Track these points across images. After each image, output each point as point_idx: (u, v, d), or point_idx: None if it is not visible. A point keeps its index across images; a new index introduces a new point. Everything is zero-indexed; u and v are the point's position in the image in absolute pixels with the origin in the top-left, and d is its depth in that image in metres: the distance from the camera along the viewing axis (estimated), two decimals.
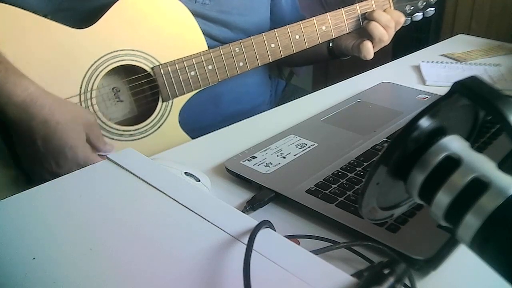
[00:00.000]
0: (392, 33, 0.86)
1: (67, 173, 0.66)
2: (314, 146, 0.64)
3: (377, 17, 0.84)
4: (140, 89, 0.79)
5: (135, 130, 0.78)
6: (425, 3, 0.90)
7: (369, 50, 0.85)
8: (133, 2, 0.75)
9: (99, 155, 0.70)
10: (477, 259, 0.29)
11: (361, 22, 0.87)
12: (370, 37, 0.85)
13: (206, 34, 0.81)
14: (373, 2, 0.86)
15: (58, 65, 0.71)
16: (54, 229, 0.37)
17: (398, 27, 0.87)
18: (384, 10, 0.86)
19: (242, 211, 0.47)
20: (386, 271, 0.28)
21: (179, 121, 0.81)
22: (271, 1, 0.96)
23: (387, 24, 0.84)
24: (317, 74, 2.23)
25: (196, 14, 0.80)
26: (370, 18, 0.85)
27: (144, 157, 0.46)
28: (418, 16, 0.91)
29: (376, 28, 0.84)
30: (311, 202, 0.52)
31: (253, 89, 0.95)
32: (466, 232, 0.29)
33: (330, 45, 0.95)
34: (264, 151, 0.63)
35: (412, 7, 0.90)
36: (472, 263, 0.31)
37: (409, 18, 0.91)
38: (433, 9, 0.92)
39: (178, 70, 0.78)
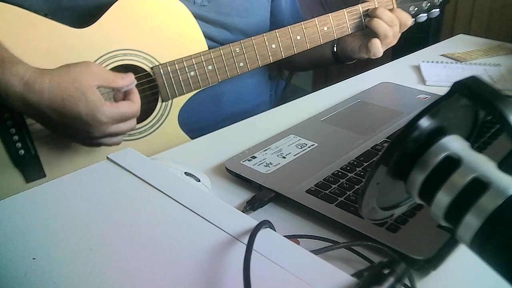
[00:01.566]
0: (396, 30, 0.85)
1: (102, 133, 0.66)
2: (314, 146, 0.64)
3: (380, 14, 0.83)
4: (140, 88, 0.79)
5: (135, 129, 0.78)
6: (429, 4, 0.90)
7: (378, 47, 0.84)
8: (133, 2, 0.75)
9: (125, 98, 0.69)
10: (477, 259, 0.29)
11: (363, 20, 0.86)
12: (375, 34, 0.85)
13: (205, 35, 0.81)
14: (375, 3, 0.86)
15: (58, 64, 0.71)
16: (54, 229, 0.37)
17: (404, 29, 0.86)
18: (390, 10, 0.85)
19: (242, 211, 0.47)
20: (386, 271, 0.28)
21: (179, 121, 0.81)
22: (271, 2, 0.96)
23: (390, 22, 0.83)
24: (317, 74, 2.23)
25: (195, 16, 0.80)
26: (373, 15, 0.84)
27: (144, 157, 0.46)
28: (423, 17, 0.91)
29: (379, 24, 0.83)
30: (311, 202, 0.52)
31: (253, 89, 0.95)
32: (466, 232, 0.29)
33: (335, 49, 0.95)
34: (264, 151, 0.63)
35: (416, 8, 0.90)
36: (472, 263, 0.31)
37: (413, 19, 0.91)
38: (438, 10, 0.91)
39: (178, 70, 0.78)
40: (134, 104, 0.68)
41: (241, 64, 0.82)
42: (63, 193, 0.42)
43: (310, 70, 1.63)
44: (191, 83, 0.79)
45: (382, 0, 0.86)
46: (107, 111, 0.64)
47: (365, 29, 0.87)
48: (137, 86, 0.79)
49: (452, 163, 0.30)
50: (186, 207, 0.38)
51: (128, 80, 0.68)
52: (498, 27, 1.84)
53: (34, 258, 0.34)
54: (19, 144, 0.71)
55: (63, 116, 0.64)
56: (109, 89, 0.66)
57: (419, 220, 0.48)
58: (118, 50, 0.75)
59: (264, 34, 0.82)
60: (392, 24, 0.83)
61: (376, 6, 0.85)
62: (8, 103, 0.64)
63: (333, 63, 0.98)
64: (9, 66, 0.63)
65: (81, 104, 0.63)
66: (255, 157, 0.61)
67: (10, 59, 0.64)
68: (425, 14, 0.91)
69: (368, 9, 0.86)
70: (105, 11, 0.73)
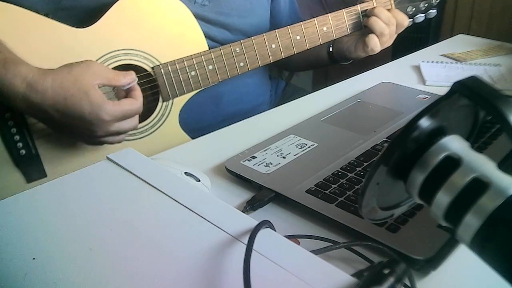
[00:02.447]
0: (393, 30, 0.85)
1: (106, 132, 0.67)
2: (314, 146, 0.64)
3: (378, 13, 0.84)
4: (141, 88, 0.79)
5: (135, 129, 0.78)
6: (427, 4, 0.90)
7: (376, 41, 0.84)
8: (134, 2, 0.75)
9: (127, 95, 0.69)
10: (477, 259, 0.29)
11: (361, 19, 0.87)
12: (371, 32, 0.85)
13: (206, 35, 0.81)
14: (374, 3, 0.86)
15: (59, 64, 0.71)
16: (54, 229, 0.37)
17: (401, 29, 0.87)
18: (388, 10, 0.86)
19: (242, 211, 0.47)
20: (386, 271, 0.28)
21: (179, 121, 0.81)
22: (270, 2, 0.96)
23: (387, 20, 0.84)
24: (317, 74, 2.23)
25: (195, 16, 0.80)
26: (371, 13, 0.85)
27: (144, 157, 0.46)
28: (420, 17, 0.91)
29: (376, 22, 0.84)
30: (311, 202, 0.52)
31: (253, 89, 0.95)
32: (466, 232, 0.29)
33: (331, 49, 0.95)
34: (264, 151, 0.63)
35: (414, 9, 0.90)
36: (472, 263, 0.31)
37: (411, 19, 0.91)
38: (435, 10, 0.91)
39: (179, 70, 0.78)
40: (136, 102, 0.69)
41: (241, 64, 0.82)
42: (63, 193, 0.42)
43: (307, 70, 1.64)
44: (191, 82, 0.79)
45: (381, 0, 0.86)
46: (109, 109, 0.65)
47: (362, 30, 0.87)
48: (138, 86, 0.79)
49: (452, 163, 0.30)
50: (186, 207, 0.38)
51: (129, 78, 0.69)
52: (498, 27, 1.84)
53: (34, 258, 0.34)
54: (20, 144, 0.71)
55: (66, 115, 0.64)
56: (110, 87, 0.66)
57: (419, 220, 0.48)
58: (118, 50, 0.75)
59: (264, 34, 0.82)
60: (389, 23, 0.84)
61: (375, 6, 0.86)
62: (10, 104, 0.64)
63: (328, 64, 0.99)
64: (12, 66, 0.63)
65: (84, 103, 0.63)
66: (255, 157, 0.61)
67: (13, 60, 0.64)
68: (423, 15, 0.91)
69: (366, 9, 0.86)
70: (106, 11, 0.73)
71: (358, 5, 0.86)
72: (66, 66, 0.66)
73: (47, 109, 0.63)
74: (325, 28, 0.85)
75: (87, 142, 0.70)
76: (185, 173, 0.55)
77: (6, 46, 0.66)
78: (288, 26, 0.83)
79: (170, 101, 0.80)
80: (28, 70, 0.63)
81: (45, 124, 0.69)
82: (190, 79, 0.79)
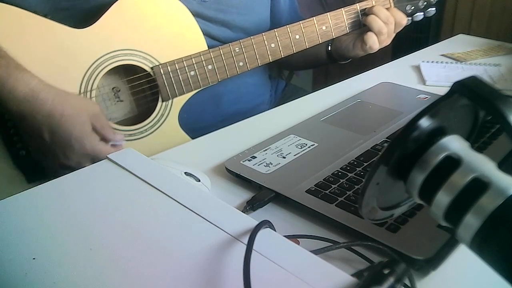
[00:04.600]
0: (391, 29, 0.85)
1: (77, 164, 0.67)
2: (314, 146, 0.64)
3: (376, 12, 0.84)
4: (140, 88, 0.80)
5: (135, 130, 0.78)
6: (426, 3, 0.90)
7: (374, 39, 0.84)
8: (133, 2, 0.75)
9: (111, 145, 0.70)
10: (477, 259, 0.29)
11: (360, 17, 0.87)
12: (369, 31, 0.85)
13: (206, 34, 0.81)
14: (373, 2, 0.86)
15: (58, 65, 0.71)
16: (54, 229, 0.37)
17: (399, 28, 0.87)
18: (386, 9, 0.86)
19: (242, 211, 0.47)
20: (386, 271, 0.28)
21: (179, 121, 0.81)
22: (270, 0, 0.96)
23: (386, 19, 0.84)
24: (317, 74, 2.23)
25: (195, 14, 0.80)
26: (369, 12, 0.85)
27: (144, 157, 0.46)
28: (419, 16, 0.91)
29: (374, 20, 0.84)
30: (311, 202, 0.52)
31: (253, 89, 0.95)
32: (466, 232, 0.29)
33: (329, 48, 0.95)
34: (264, 151, 0.63)
35: (412, 7, 0.90)
36: (472, 263, 0.31)
37: (410, 18, 0.91)
38: (434, 9, 0.91)
39: (178, 70, 0.78)
40: None
41: (241, 64, 0.82)
42: (63, 193, 0.42)
43: (305, 69, 1.64)
44: (191, 82, 0.79)
45: None
46: (94, 144, 0.67)
47: (361, 28, 0.88)
48: (137, 86, 0.79)
49: (452, 163, 0.30)
50: (186, 207, 0.38)
51: (119, 138, 0.71)
52: (498, 27, 1.84)
53: (34, 258, 0.34)
54: (19, 144, 0.71)
55: (53, 132, 0.65)
56: (95, 132, 0.68)
57: (419, 220, 0.48)
58: (118, 50, 0.75)
59: (263, 33, 0.82)
60: (387, 21, 0.84)
61: (374, 4, 0.86)
62: (5, 109, 0.64)
63: (327, 63, 0.99)
64: (15, 71, 0.64)
65: (76, 127, 0.65)
66: (255, 157, 0.61)
67: (17, 65, 0.65)
68: (422, 13, 0.91)
69: (365, 8, 0.86)
70: (105, 12, 0.73)
71: (357, 4, 0.86)
72: (74, 94, 0.70)
73: (40, 120, 0.64)
74: (324, 27, 0.85)
75: (52, 165, 0.69)
76: (185, 173, 0.55)
77: (8, 54, 0.66)
78: (287, 26, 0.83)
79: (170, 101, 0.80)
80: (32, 78, 0.64)
81: (27, 137, 0.69)
82: (190, 79, 0.79)
